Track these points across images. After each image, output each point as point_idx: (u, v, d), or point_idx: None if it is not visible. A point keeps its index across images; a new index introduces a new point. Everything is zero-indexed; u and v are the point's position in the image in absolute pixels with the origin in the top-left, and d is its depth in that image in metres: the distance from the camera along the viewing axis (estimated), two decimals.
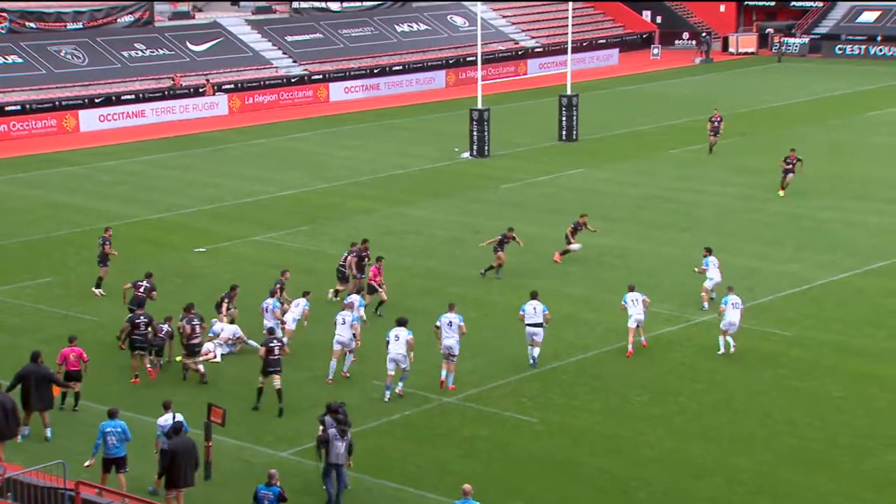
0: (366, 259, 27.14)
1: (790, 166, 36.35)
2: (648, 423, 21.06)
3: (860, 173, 39.60)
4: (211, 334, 24.45)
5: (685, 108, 56.01)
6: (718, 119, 44.42)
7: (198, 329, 22.93)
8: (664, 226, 33.50)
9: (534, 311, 23.41)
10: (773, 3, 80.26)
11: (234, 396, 22.15)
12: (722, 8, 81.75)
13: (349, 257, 27.03)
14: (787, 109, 54.95)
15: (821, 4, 77.08)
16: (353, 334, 22.80)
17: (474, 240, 32.63)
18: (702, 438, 20.43)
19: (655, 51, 76.25)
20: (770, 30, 77.15)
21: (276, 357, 21.62)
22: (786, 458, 19.60)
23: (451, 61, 67.20)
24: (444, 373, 22.46)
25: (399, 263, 30.31)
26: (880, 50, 71.55)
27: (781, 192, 35.75)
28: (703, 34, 76.06)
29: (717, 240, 31.94)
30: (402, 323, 22.17)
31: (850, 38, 73.25)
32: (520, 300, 26.48)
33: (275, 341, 21.76)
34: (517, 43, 72.47)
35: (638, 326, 24.17)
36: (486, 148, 45.50)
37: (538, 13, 76.60)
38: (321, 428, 18.30)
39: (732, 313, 23.92)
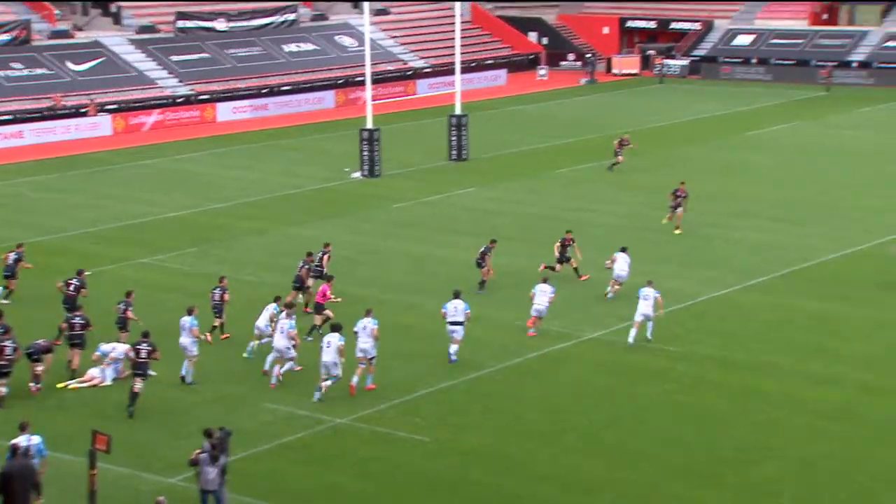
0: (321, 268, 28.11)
1: (678, 200, 35.04)
2: (540, 440, 21.26)
3: (740, 191, 40.82)
4: (99, 353, 23.87)
5: (573, 128, 56.95)
6: (626, 142, 45.18)
7: (7, 351, 22.41)
8: (554, 244, 34.01)
9: (454, 309, 24.38)
10: (653, 26, 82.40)
11: (121, 422, 21.59)
12: (605, 30, 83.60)
13: (304, 268, 27.76)
14: (670, 129, 56.35)
15: (699, 27, 79.43)
16: (294, 344, 23.24)
17: (367, 260, 32.57)
18: (593, 454, 20.71)
19: (542, 71, 77.43)
20: (651, 52, 79.15)
21: (142, 360, 22.05)
22: (674, 472, 20.00)
23: (339, 81, 67.07)
24: (355, 379, 22.81)
25: (286, 285, 29.99)
26: (756, 72, 74.08)
27: (677, 231, 34.55)
28: (588, 55, 77.60)
29: (605, 258, 32.50)
30: (336, 329, 22.71)
31: (728, 60, 75.67)
32: (413, 320, 26.50)
33: (144, 344, 22.18)
34: (406, 63, 72.79)
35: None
36: (377, 168, 45.50)
37: (426, 34, 77.07)
38: (197, 450, 18.04)
39: (644, 305, 25.25)
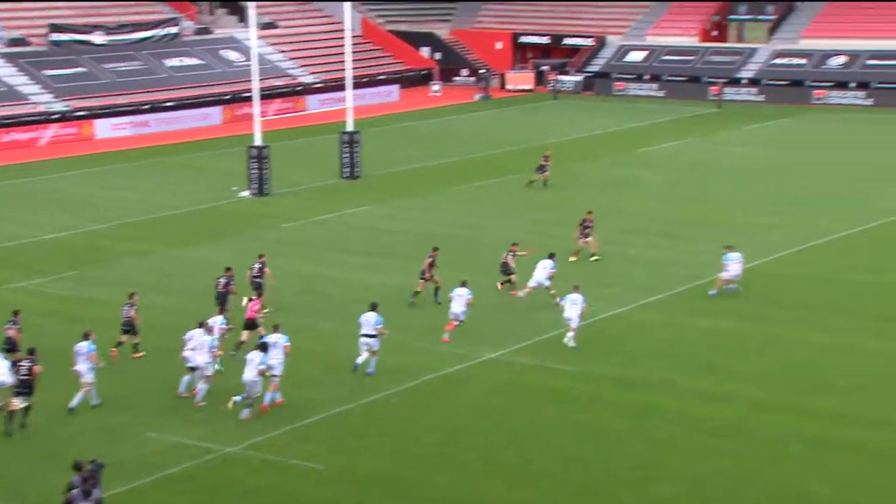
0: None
1: (587, 231, 35.17)
2: (439, 462, 21.42)
3: (633, 208, 41.79)
4: None
5: (467, 145, 57.49)
6: (546, 157, 45.69)
7: None
8: (449, 263, 34.29)
9: (366, 322, 25.30)
10: (547, 42, 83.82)
11: None
12: (498, 45, 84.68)
13: (228, 284, 28.07)
14: (565, 146, 57.35)
15: (592, 43, 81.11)
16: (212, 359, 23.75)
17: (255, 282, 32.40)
18: (492, 475, 20.95)
19: (435, 87, 78.02)
20: (545, 67, 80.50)
21: (23, 378, 22.02)
22: (572, 491, 20.36)
23: (226, 97, 66.51)
24: (268, 396, 23.25)
25: (177, 307, 29.67)
26: (649, 88, 75.97)
27: (595, 258, 34.92)
28: (482, 71, 78.51)
29: (501, 277, 32.92)
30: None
31: (621, 76, 77.42)
32: (306, 343, 26.44)
33: (25, 362, 22.08)
34: (295, 78, 72.57)
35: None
36: (266, 186, 45.23)
37: (316, 48, 76.99)
38: (68, 489, 17.69)
39: (570, 309, 27.11)
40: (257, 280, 29.47)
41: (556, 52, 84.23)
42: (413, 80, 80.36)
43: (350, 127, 49.00)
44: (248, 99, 61.25)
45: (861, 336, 27.94)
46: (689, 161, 52.63)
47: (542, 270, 30.19)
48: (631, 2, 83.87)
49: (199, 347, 23.67)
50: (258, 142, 45.27)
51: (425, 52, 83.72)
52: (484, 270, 33.48)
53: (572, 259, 35.18)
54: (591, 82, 78.07)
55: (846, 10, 77.49)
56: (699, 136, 60.13)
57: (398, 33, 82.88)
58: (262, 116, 47.09)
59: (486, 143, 57.81)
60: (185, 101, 64.63)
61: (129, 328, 26.05)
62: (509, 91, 78.92)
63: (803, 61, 73.73)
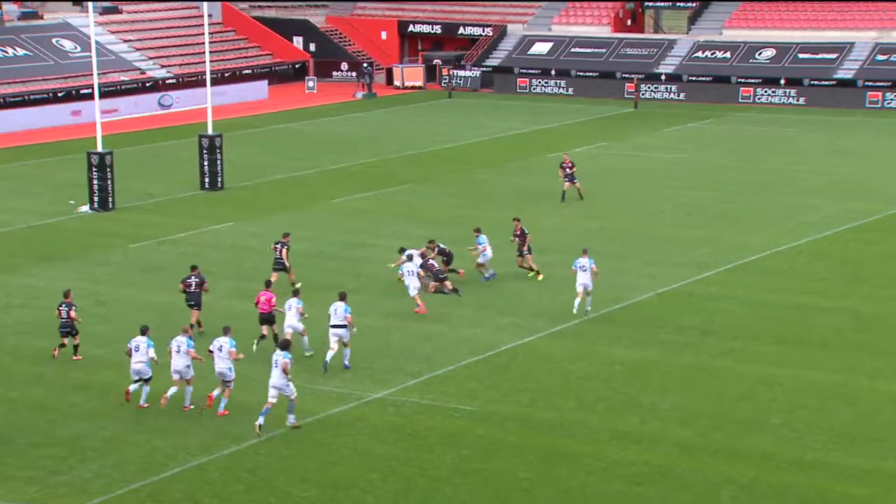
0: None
1: (525, 244, 35.34)
2: None
3: (541, 222, 42.02)
4: None
5: (349, 150, 57.31)
6: (570, 164, 45.80)
7: None
8: (327, 287, 33.97)
9: (334, 312, 27.78)
10: (439, 31, 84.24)
11: None
12: (383, 35, 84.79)
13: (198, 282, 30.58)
14: (462, 151, 57.56)
15: (490, 33, 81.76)
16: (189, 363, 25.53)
17: (101, 313, 31.54)
18: None
19: (311, 83, 77.73)
20: (437, 61, 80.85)
21: None
22: None
23: (60, 94, 65.11)
24: (216, 391, 25.51)
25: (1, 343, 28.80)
26: (556, 85, 76.84)
27: (535, 276, 35.28)
28: (365, 65, 78.49)
29: (389, 301, 32.70)
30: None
31: (524, 71, 78.18)
32: (164, 385, 25.87)
33: None
34: (144, 73, 71.44)
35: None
36: (111, 200, 44.44)
37: (168, 38, 76.00)
38: None
39: (582, 276, 31.66)
40: (280, 261, 33.78)
41: (450, 44, 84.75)
42: (284, 75, 79.91)
43: (210, 130, 48.40)
44: (89, 96, 60.17)
45: (795, 366, 28.44)
46: (604, 168, 53.28)
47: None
48: None
49: (177, 350, 25.53)
50: (100, 147, 44.41)
51: (298, 42, 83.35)
52: (367, 294, 33.19)
53: (539, 278, 34.99)
54: (491, 78, 78.68)
55: None
56: (614, 139, 60.99)
57: (266, 21, 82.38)
58: (105, 117, 46.18)
59: (369, 149, 57.66)
60: (10, 99, 63.02)
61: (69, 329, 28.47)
62: (396, 88, 79.06)
63: (727, 55, 75.45)
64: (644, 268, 36.96)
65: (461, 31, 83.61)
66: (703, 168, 53.32)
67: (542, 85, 77.27)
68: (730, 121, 66.91)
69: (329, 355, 27.75)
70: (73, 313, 28.40)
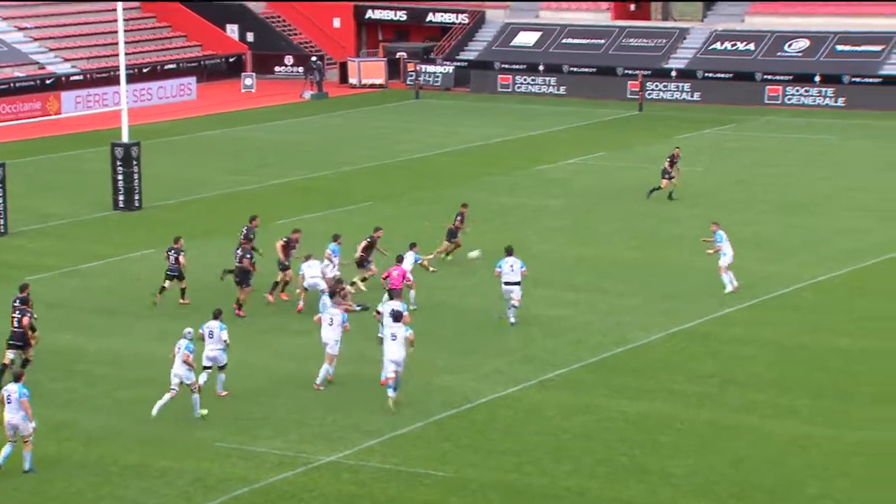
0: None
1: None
2: None
3: (531, 249, 42.12)
4: None
5: (295, 162, 57.32)
6: (677, 157, 49.80)
7: None
8: (262, 330, 33.95)
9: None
10: (403, 18, 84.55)
11: None
12: (336, 22, 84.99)
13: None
14: (431, 163, 57.63)
15: (466, 21, 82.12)
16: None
17: None
18: None
19: (248, 81, 77.83)
20: (402, 54, 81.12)
21: None
22: None
23: None
24: (203, 377, 29.18)
25: None
26: (545, 82, 77.21)
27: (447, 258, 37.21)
28: (314, 59, 78.67)
29: (358, 332, 32.67)
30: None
31: (506, 66, 78.53)
32: (66, 448, 25.77)
33: None
34: (44, 67, 71.31)
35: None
36: (2, 223, 44.30)
37: (73, 26, 75.90)
38: None
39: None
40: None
41: (417, 34, 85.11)
42: (216, 70, 79.98)
43: (125, 137, 48.36)
44: None
45: (835, 424, 28.51)
46: (601, 183, 53.48)
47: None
48: None
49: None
50: None
51: (233, 32, 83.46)
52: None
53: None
54: (466, 75, 78.99)
55: None
56: (614, 148, 61.26)
57: (194, 5, 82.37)
58: None
59: (320, 161, 57.68)
60: None
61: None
62: (352, 87, 79.23)
63: (751, 46, 76.06)
64: (652, 304, 37.11)
65: (430, 17, 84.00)
66: (722, 183, 53.62)
67: (529, 83, 77.65)
68: (754, 126, 67.38)
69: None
70: (25, 321, 30.69)
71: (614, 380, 31.20)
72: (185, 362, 28.10)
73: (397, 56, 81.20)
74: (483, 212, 47.04)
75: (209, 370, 29.56)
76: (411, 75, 78.38)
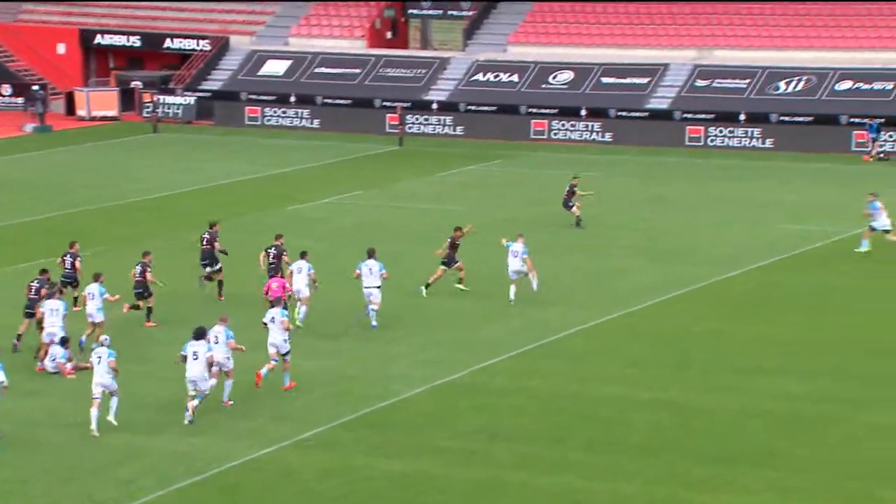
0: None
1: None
2: None
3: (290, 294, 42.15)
4: None
5: (14, 203, 56.15)
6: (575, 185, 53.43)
7: None
8: None
9: (369, 271, 38.85)
10: (138, 44, 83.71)
11: None
12: (61, 48, 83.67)
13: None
14: (170, 203, 57.11)
15: (208, 47, 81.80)
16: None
17: None
18: None
19: None
20: (137, 83, 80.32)
21: None
22: None
23: None
24: (264, 370, 33.72)
25: None
26: (296, 115, 77.31)
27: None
28: (36, 88, 77.31)
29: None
30: (199, 336, 31.84)
31: (254, 97, 78.48)
32: None
33: None
34: None
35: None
36: None
37: None
38: None
39: (514, 261, 41.60)
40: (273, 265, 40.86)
41: (154, 61, 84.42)
42: None
43: None
44: None
45: (609, 478, 28.96)
46: (361, 223, 53.74)
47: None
48: None
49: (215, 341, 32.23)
50: None
51: None
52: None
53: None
54: (210, 106, 78.69)
55: (568, 5, 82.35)
56: (374, 185, 61.77)
57: None
58: None
59: (44, 201, 56.72)
60: None
61: None
62: (81, 119, 78.08)
63: (515, 78, 77.61)
64: (416, 353, 37.49)
65: (168, 44, 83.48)
66: (488, 223, 54.41)
67: (279, 115, 77.79)
68: (521, 162, 68.68)
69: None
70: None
71: (374, 437, 31.37)
72: (113, 369, 31.08)
73: (132, 86, 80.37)
74: (235, 255, 46.71)
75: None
76: (148, 107, 77.71)
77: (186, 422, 31.42)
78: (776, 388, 34.45)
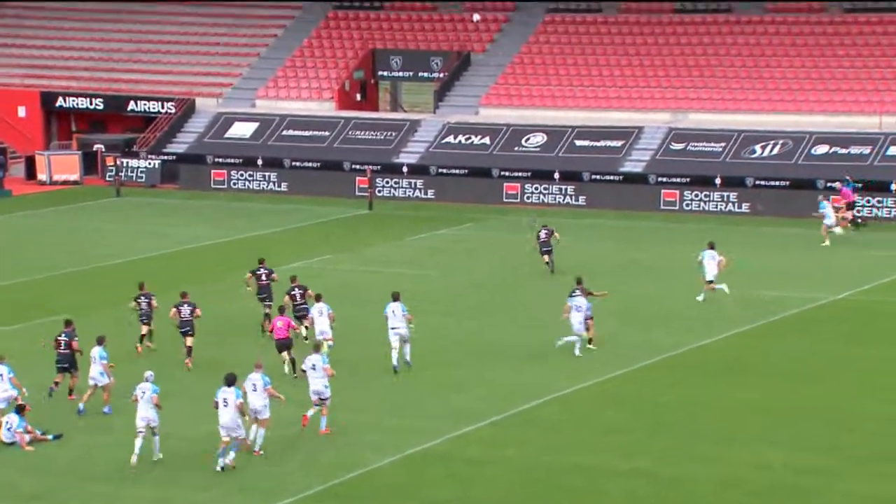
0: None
1: None
2: None
3: (244, 358, 42.14)
4: None
5: None
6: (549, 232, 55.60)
7: None
8: None
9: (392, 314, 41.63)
10: (100, 107, 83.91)
11: None
12: (21, 111, 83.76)
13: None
14: (133, 269, 57.05)
15: (173, 109, 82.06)
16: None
17: None
18: None
19: None
20: (99, 147, 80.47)
21: None
22: None
23: None
24: (311, 412, 35.79)
25: None
26: (264, 178, 77.54)
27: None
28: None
29: None
30: (230, 383, 33.14)
31: (221, 160, 78.70)
32: None
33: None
34: None
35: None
36: None
37: None
38: None
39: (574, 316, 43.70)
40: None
41: (117, 124, 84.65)
42: None
43: None
44: None
45: None
46: (331, 288, 53.59)
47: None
48: (230, 50, 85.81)
49: (253, 389, 33.63)
50: None
51: None
52: None
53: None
54: (175, 170, 78.91)
55: (541, 67, 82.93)
56: (343, 250, 61.97)
57: None
58: None
59: (2, 269, 56.67)
60: None
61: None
62: (41, 184, 78.13)
63: (486, 140, 78.01)
64: (385, 420, 37.53)
65: (131, 106, 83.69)
66: (459, 288, 54.65)
67: (246, 178, 78.03)
68: (493, 226, 68.93)
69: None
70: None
71: None
72: (156, 405, 33.06)
73: (94, 149, 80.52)
74: (207, 321, 46.71)
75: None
76: (111, 170, 77.85)
77: (218, 468, 32.79)
78: (754, 457, 34.58)
